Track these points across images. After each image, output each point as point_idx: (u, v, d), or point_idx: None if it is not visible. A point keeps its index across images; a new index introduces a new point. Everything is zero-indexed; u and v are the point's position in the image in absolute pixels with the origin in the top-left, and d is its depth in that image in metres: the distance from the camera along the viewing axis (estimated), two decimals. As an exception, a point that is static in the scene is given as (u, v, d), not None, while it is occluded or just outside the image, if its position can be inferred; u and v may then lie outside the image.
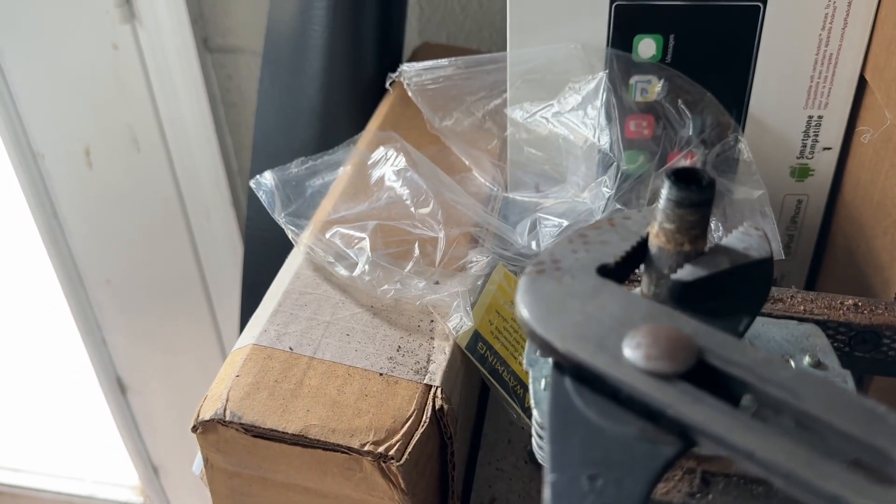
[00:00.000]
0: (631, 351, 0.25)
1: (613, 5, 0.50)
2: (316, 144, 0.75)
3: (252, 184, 0.54)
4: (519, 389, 0.49)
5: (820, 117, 0.53)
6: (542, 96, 0.54)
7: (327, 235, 0.51)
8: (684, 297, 0.28)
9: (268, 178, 0.53)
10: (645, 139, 0.55)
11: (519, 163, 0.58)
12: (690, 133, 0.53)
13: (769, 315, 0.35)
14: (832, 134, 0.53)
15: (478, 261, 0.51)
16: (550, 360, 0.26)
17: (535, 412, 0.32)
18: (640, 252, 0.30)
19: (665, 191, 0.28)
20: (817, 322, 0.35)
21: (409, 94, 0.58)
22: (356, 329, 0.47)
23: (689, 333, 0.25)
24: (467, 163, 0.59)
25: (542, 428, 0.31)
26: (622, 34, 0.51)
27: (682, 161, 0.54)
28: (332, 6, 0.71)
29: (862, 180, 0.52)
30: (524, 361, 0.34)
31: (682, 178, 0.28)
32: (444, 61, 0.56)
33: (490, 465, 0.56)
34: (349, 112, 0.74)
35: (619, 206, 0.52)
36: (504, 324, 0.50)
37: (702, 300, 0.28)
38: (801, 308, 0.36)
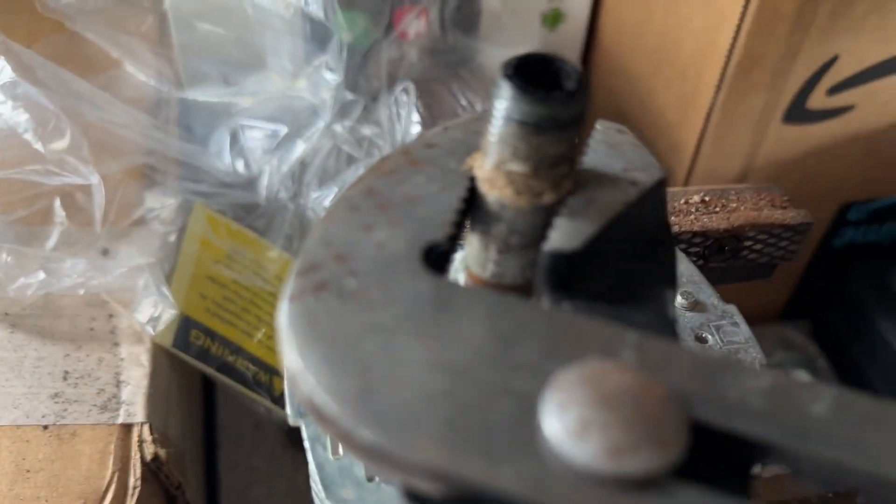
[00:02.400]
0: (571, 440, 0.12)
1: None
2: None
3: None
4: (262, 376, 0.35)
5: (570, -54, 0.42)
6: (209, -55, 0.37)
7: None
8: (568, 280, 0.16)
9: None
10: (361, -4, 0.40)
11: (192, 47, 0.40)
12: (422, -19, 0.39)
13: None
14: (584, -33, 0.43)
15: (161, 207, 0.35)
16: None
17: (317, 489, 0.19)
18: (469, 206, 0.16)
19: (504, 104, 0.15)
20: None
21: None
22: None
23: (643, 366, 0.13)
24: (113, 54, 0.40)
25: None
26: None
27: (414, 20, 0.41)
28: None
29: (628, 22, 0.43)
30: (289, 412, 0.20)
31: (530, 75, 0.15)
32: None
33: (239, 466, 0.42)
34: None
35: (351, 97, 0.37)
36: (224, 293, 0.34)
37: (594, 277, 0.16)
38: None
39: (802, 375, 0.46)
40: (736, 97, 0.36)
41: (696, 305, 0.23)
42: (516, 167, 0.16)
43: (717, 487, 0.12)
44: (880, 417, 0.13)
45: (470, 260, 0.18)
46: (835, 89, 0.38)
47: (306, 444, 0.20)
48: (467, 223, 0.18)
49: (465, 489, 0.12)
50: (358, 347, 0.13)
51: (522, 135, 0.15)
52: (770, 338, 0.49)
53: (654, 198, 0.17)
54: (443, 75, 0.40)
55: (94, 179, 0.32)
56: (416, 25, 0.41)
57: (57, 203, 0.32)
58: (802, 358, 0.47)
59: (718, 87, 0.36)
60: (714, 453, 0.13)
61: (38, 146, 0.33)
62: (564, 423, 0.12)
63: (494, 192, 0.16)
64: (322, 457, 0.20)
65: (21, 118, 0.33)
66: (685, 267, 0.25)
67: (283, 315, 0.14)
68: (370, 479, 0.19)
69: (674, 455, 0.12)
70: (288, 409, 0.21)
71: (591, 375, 0.13)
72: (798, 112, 0.38)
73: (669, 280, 0.17)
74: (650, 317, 0.15)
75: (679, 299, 0.23)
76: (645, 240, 0.17)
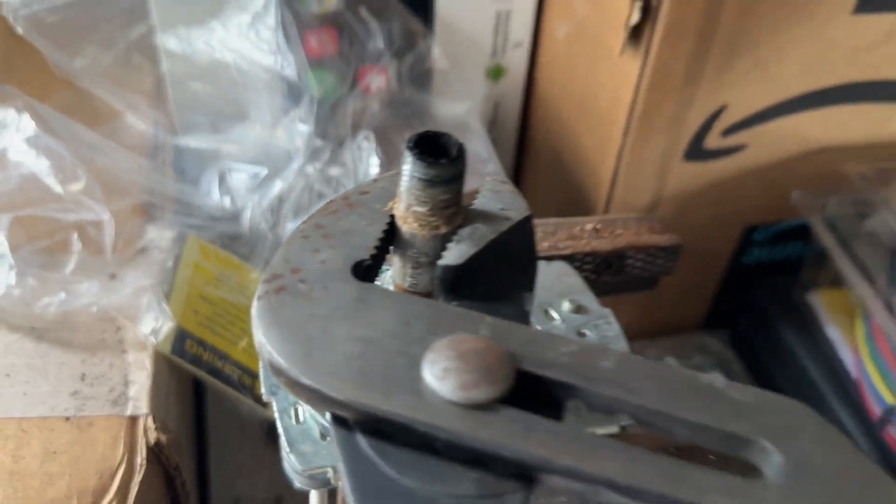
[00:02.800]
0: (438, 381, 0.18)
1: None
2: None
3: None
4: (246, 379, 0.41)
5: (509, 12, 0.49)
6: (200, 17, 0.44)
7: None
8: (458, 284, 0.22)
9: None
10: (331, 56, 0.47)
11: (185, 101, 0.47)
12: (380, 45, 0.46)
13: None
14: (522, 29, 0.50)
15: (160, 238, 0.41)
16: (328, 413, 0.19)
17: (289, 458, 0.25)
18: (391, 236, 0.23)
19: (409, 167, 0.22)
20: (563, 257, 0.32)
21: (20, 32, 0.44)
22: (18, 365, 0.35)
23: (491, 338, 0.20)
24: (117, 107, 0.47)
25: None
26: (284, -66, 0.42)
27: (376, 77, 0.48)
28: None
29: (559, 77, 0.50)
30: (263, 391, 0.27)
31: (426, 148, 0.22)
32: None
33: (226, 461, 0.48)
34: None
35: (320, 143, 0.44)
36: (214, 309, 0.41)
37: (475, 283, 0.23)
38: (546, 244, 0.32)
39: (717, 377, 0.53)
40: (641, 141, 0.43)
41: (580, 309, 0.30)
42: (419, 209, 0.23)
43: (535, 413, 0.19)
44: (647, 370, 0.20)
45: (395, 274, 0.25)
46: (727, 132, 0.45)
47: (276, 415, 0.26)
48: (391, 248, 0.24)
49: (370, 415, 0.19)
50: (303, 328, 0.20)
51: (421, 187, 0.22)
52: (691, 344, 0.55)
53: (521, 229, 0.24)
54: (400, 125, 0.47)
55: (105, 216, 0.39)
56: (377, 81, 0.48)
57: (74, 236, 0.38)
58: (719, 362, 0.54)
59: (626, 133, 0.43)
60: (536, 393, 0.19)
61: (58, 188, 0.39)
62: (433, 372, 0.19)
63: (406, 226, 0.23)
64: (288, 423, 0.26)
65: (43, 165, 0.40)
66: (575, 280, 0.31)
67: (254, 309, 0.20)
68: (323, 438, 0.26)
69: (503, 389, 0.19)
70: (262, 389, 0.27)
71: (454, 342, 0.19)
72: (697, 151, 0.45)
73: (529, 286, 0.24)
74: (510, 310, 0.22)
75: (567, 304, 0.30)
76: (514, 258, 0.24)
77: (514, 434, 0.18)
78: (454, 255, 0.22)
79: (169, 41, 0.43)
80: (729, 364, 0.54)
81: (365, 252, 0.22)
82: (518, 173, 0.59)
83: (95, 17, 0.44)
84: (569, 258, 0.32)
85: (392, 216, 0.24)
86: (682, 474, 0.18)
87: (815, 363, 0.49)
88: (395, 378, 0.19)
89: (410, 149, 0.22)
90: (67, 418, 0.34)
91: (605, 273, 0.33)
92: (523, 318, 0.22)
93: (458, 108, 0.45)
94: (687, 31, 0.39)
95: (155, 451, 0.34)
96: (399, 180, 0.23)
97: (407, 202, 0.23)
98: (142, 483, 0.33)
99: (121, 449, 0.33)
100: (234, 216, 0.44)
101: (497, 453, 0.18)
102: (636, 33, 0.40)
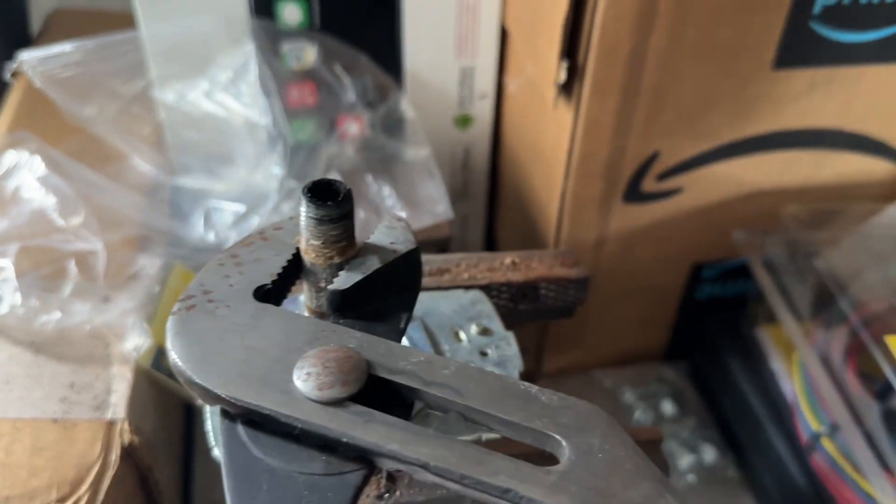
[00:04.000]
0: (302, 382, 0.23)
1: (245, -29, 0.47)
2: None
3: None
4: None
5: (472, 67, 0.54)
6: (190, 73, 0.50)
7: (-40, 271, 0.43)
8: (344, 305, 0.27)
9: None
10: (310, 107, 0.53)
11: (181, 147, 0.53)
12: (353, 98, 0.52)
13: (438, 288, 0.36)
14: (486, 82, 0.55)
15: (149, 266, 0.47)
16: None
17: (215, 451, 0.30)
18: (297, 265, 0.28)
19: (304, 208, 0.27)
20: (482, 287, 0.36)
21: (38, 85, 0.50)
22: (17, 373, 0.41)
23: (355, 349, 0.24)
24: (123, 150, 0.53)
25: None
26: (263, 1, 0.48)
27: (352, 124, 0.53)
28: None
29: (516, 124, 0.55)
30: (210, 441, 0.32)
31: (318, 193, 0.27)
32: (68, 46, 0.49)
33: (207, 468, 0.53)
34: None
35: (294, 184, 0.50)
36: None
37: (362, 304, 0.28)
38: (466, 275, 0.37)
39: (668, 405, 0.56)
40: (580, 184, 0.48)
41: (485, 332, 0.34)
42: (315, 242, 0.28)
43: (385, 411, 0.23)
44: (478, 378, 0.24)
45: (305, 298, 0.30)
46: (662, 176, 0.49)
47: (208, 418, 0.31)
48: (302, 276, 0.29)
49: (244, 408, 0.23)
50: (204, 339, 0.25)
51: (315, 225, 0.27)
52: (650, 374, 0.59)
53: (407, 260, 0.29)
54: (371, 168, 0.52)
55: (99, 246, 0.45)
56: (352, 128, 0.54)
57: (72, 263, 0.44)
58: (673, 391, 0.58)
59: (567, 176, 0.48)
60: (387, 394, 0.24)
61: (61, 222, 0.45)
62: (299, 375, 0.24)
63: (307, 257, 0.28)
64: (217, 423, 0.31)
65: (50, 202, 0.46)
66: (486, 307, 0.36)
67: (168, 322, 0.26)
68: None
69: (353, 390, 0.23)
70: (210, 440, 0.32)
71: (322, 352, 0.24)
72: (635, 194, 0.49)
73: (408, 308, 0.28)
74: (386, 328, 0.27)
75: (474, 327, 0.35)
76: (399, 284, 0.29)
77: (356, 425, 0.23)
78: (342, 280, 0.27)
79: (165, 94, 0.50)
80: (683, 393, 0.58)
81: (268, 278, 0.27)
82: (491, 210, 0.63)
83: (101, 72, 0.50)
84: (486, 288, 0.37)
85: (297, 249, 0.29)
86: (483, 460, 0.22)
87: (756, 393, 0.52)
88: (270, 379, 0.24)
89: (304, 193, 0.27)
90: (55, 420, 0.39)
91: (522, 301, 0.38)
92: (396, 334, 0.27)
93: (421, 154, 0.50)
94: (612, 87, 0.43)
95: (128, 451, 0.39)
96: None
97: (305, 237, 0.28)
98: (114, 477, 0.38)
99: (98, 447, 0.38)
100: (217, 248, 0.49)
101: (339, 440, 0.23)
102: (567, 89, 0.44)
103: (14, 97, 0.55)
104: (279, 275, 0.27)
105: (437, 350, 0.33)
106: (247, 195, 0.50)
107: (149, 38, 0.48)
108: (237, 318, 0.26)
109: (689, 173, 0.49)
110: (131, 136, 0.53)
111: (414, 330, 0.34)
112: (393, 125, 0.54)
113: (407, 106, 0.52)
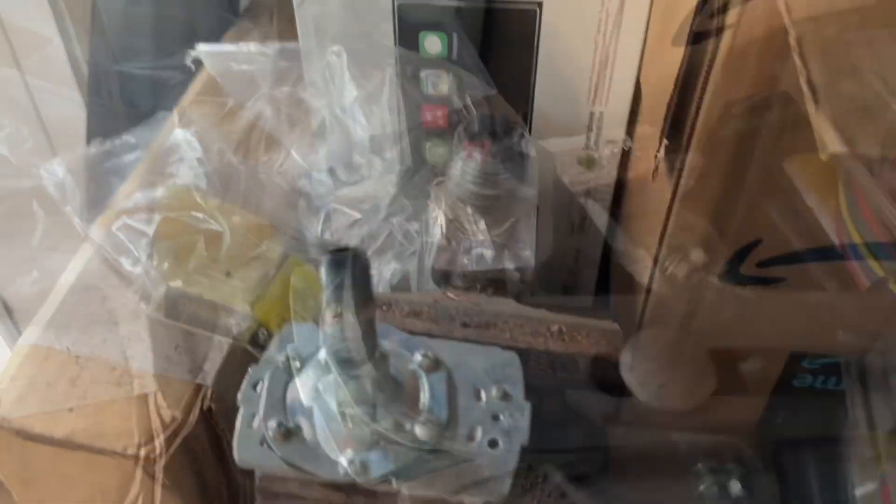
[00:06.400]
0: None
1: (396, 4, 0.50)
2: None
3: (43, 172, 0.53)
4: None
5: (601, 113, 0.55)
6: (340, 90, 0.55)
7: (114, 229, 0.51)
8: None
9: (57, 168, 0.53)
10: (441, 128, 0.56)
11: (331, 150, 0.59)
12: (479, 127, 0.54)
13: (478, 342, 0.38)
14: (615, 129, 0.56)
15: (269, 251, 0.53)
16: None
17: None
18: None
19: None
20: (520, 350, 0.38)
21: (213, 73, 0.58)
22: (138, 328, 0.49)
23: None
24: (284, 142, 0.60)
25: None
26: (408, 32, 0.52)
27: (476, 151, 0.56)
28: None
29: (634, 174, 0.55)
30: (239, 397, 0.37)
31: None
32: (243, 45, 0.56)
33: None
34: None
35: (405, 202, 0.54)
36: (286, 312, 0.52)
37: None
38: (508, 335, 0.39)
39: (736, 485, 0.55)
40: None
41: (505, 396, 0.36)
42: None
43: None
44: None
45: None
46: (763, 264, 0.47)
47: (238, 420, 0.36)
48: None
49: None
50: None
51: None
52: (728, 450, 0.57)
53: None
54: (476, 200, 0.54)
55: (226, 229, 0.51)
56: (476, 155, 0.56)
57: (201, 241, 0.51)
58: (745, 473, 0.56)
59: (660, 244, 0.48)
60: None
61: (202, 200, 0.53)
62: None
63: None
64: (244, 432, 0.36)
65: (196, 181, 0.53)
66: (515, 372, 0.37)
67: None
68: (261, 444, 0.35)
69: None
70: (239, 398, 0.37)
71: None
72: (732, 276, 0.48)
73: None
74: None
75: (495, 390, 0.36)
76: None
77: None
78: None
79: (318, 102, 0.55)
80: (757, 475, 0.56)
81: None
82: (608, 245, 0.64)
83: (267, 72, 0.56)
84: (525, 351, 0.39)
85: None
86: None
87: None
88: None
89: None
90: (155, 374, 0.46)
91: (559, 370, 0.39)
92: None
93: (529, 194, 0.52)
94: (714, 170, 0.43)
95: (206, 415, 0.46)
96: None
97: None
98: (189, 435, 0.45)
99: (182, 406, 0.45)
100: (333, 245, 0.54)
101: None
102: (670, 162, 0.44)
103: (198, 82, 0.63)
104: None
105: (453, 405, 0.36)
106: (363, 204, 0.54)
107: (305, 54, 0.53)
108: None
109: (793, 266, 0.47)
110: (291, 128, 0.59)
111: (438, 380, 0.36)
112: (512, 158, 0.55)
113: (529, 143, 0.54)
